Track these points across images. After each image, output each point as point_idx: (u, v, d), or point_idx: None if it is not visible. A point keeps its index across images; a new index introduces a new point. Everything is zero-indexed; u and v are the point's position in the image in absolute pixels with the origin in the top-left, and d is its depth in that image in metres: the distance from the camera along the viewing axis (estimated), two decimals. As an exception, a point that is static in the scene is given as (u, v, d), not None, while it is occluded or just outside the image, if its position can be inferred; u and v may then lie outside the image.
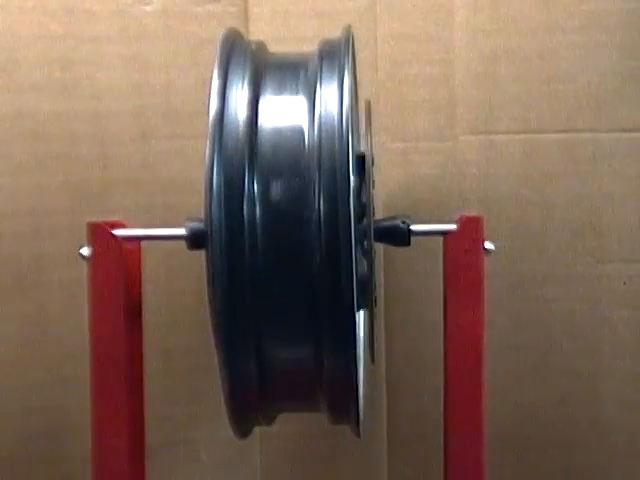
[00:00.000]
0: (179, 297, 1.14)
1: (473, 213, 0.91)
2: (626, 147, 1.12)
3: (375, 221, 0.86)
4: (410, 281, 1.15)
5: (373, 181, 0.86)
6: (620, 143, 1.12)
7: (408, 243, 0.88)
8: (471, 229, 0.89)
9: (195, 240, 0.83)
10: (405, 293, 1.15)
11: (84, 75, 1.10)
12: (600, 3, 1.11)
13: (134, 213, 1.08)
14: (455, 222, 0.89)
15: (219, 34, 0.85)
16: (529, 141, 1.13)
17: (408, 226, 0.88)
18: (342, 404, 0.83)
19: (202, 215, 0.79)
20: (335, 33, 0.94)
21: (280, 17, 1.14)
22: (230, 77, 0.81)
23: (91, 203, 1.11)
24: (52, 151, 1.10)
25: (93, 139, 1.11)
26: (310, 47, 0.93)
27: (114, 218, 0.90)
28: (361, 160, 0.85)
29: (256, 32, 1.12)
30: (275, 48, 0.93)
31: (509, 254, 1.12)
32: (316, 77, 0.81)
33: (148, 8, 1.12)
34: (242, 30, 1.00)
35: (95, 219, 0.88)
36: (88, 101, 1.10)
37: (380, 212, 1.09)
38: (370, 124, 0.89)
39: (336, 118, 0.78)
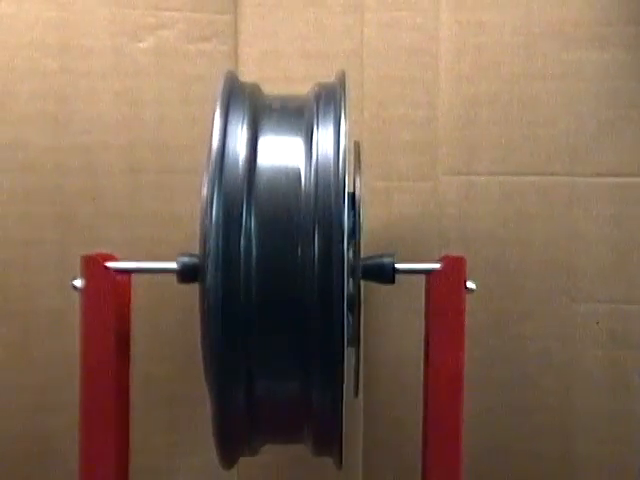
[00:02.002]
0: (163, 327, 1.15)
1: (454, 252, 0.93)
2: (601, 191, 1.14)
3: (362, 259, 0.88)
4: (389, 315, 1.16)
5: (362, 220, 0.89)
6: (595, 187, 1.14)
7: (393, 281, 0.89)
8: (454, 269, 0.91)
9: (186, 274, 0.85)
10: (384, 327, 1.17)
11: (77, 109, 1.12)
12: (579, 53, 1.14)
13: (122, 245, 1.09)
14: (438, 261, 0.91)
15: (216, 78, 0.87)
16: (508, 183, 1.15)
17: (393, 264, 0.89)
18: (327, 438, 0.85)
19: (192, 249, 0.81)
20: (323, 75, 0.97)
21: (270, 57, 1.15)
22: (231, 117, 0.83)
23: (80, 234, 1.12)
24: (43, 183, 1.12)
25: (84, 172, 1.12)
26: (299, 88, 0.95)
27: (102, 250, 0.92)
28: (352, 199, 0.87)
29: (246, 72, 1.14)
30: (264, 87, 0.95)
31: (487, 292, 1.13)
32: (313, 120, 0.83)
33: (141, 45, 1.13)
34: (232, 68, 1.09)
35: (84, 251, 0.90)
36: (80, 135, 1.12)
37: (363, 248, 1.09)
38: (359, 165, 0.91)
39: (332, 161, 0.80)
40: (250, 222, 0.79)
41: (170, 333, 1.14)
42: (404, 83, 1.15)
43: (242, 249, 0.78)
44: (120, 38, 1.13)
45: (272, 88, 0.96)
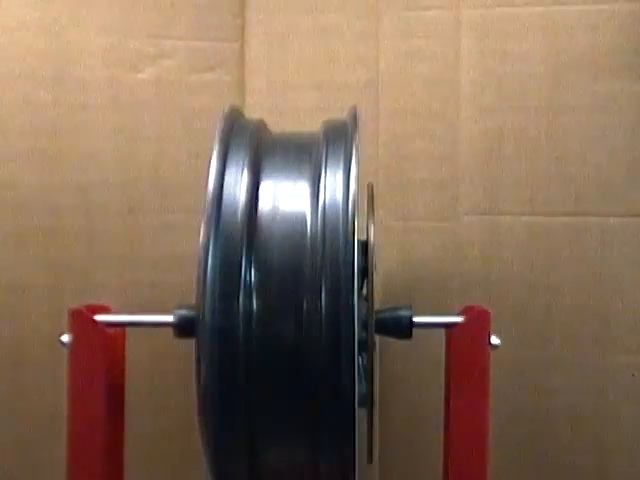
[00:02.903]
0: (161, 379, 1.11)
1: (476, 299, 0.92)
2: (636, 232, 1.10)
3: (375, 311, 0.83)
4: (407, 368, 1.12)
5: (375, 269, 0.83)
6: (630, 229, 1.10)
7: (410, 336, 0.85)
8: (478, 323, 0.85)
9: (183, 329, 0.81)
10: (401, 381, 1.12)
11: (71, 145, 1.09)
12: (611, 83, 1.09)
13: (120, 291, 1.07)
14: (460, 313, 0.86)
15: (219, 113, 0.83)
16: (535, 223, 1.10)
17: (410, 318, 0.84)
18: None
19: (192, 299, 0.76)
20: (335, 107, 0.94)
21: (278, 88, 1.12)
22: (230, 159, 0.79)
23: (74, 279, 1.09)
24: (34, 224, 1.08)
25: (78, 212, 1.09)
26: (309, 121, 0.92)
27: (98, 296, 0.90)
28: (364, 247, 0.82)
29: (252, 103, 1.12)
30: (271, 120, 0.92)
31: (512, 340, 1.06)
32: (321, 162, 0.79)
33: (140, 76, 1.10)
34: (238, 101, 1.06)
35: (78, 297, 0.88)
36: (74, 172, 1.09)
37: (377, 292, 1.04)
38: (373, 209, 0.87)
39: (341, 207, 0.75)
40: (250, 274, 0.74)
41: (169, 385, 1.09)
42: (423, 116, 1.11)
43: (241, 304, 0.74)
44: (118, 69, 1.09)
45: (280, 121, 0.95)
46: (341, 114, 0.88)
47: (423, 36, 1.11)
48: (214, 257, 0.74)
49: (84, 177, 1.09)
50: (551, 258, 1.10)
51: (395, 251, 1.12)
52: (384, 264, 1.09)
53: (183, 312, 0.81)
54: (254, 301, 0.74)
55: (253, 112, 1.06)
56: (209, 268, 0.73)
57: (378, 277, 1.00)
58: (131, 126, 1.10)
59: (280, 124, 0.97)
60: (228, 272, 0.74)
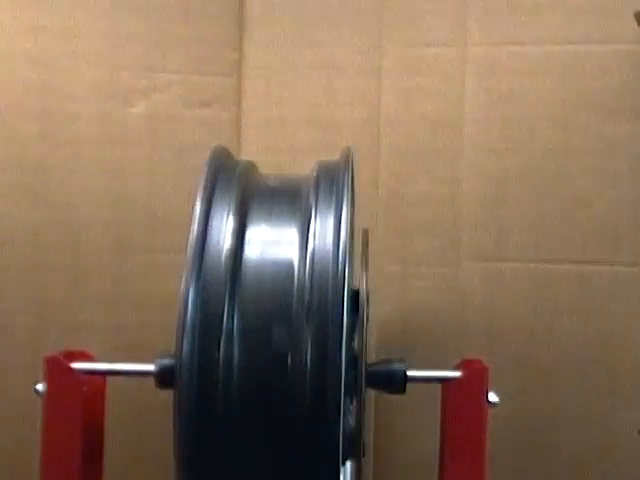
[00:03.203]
0: (144, 430, 1.07)
1: (478, 348, 0.92)
2: None
3: (367, 364, 0.80)
4: (401, 418, 1.08)
5: (367, 319, 0.80)
6: (638, 278, 1.06)
7: (403, 391, 0.82)
8: (476, 379, 0.82)
9: (164, 379, 0.77)
10: (396, 432, 1.09)
11: (58, 180, 1.06)
12: (621, 127, 1.06)
13: (105, 332, 1.05)
14: (457, 368, 0.83)
15: (207, 152, 0.81)
16: (540, 271, 1.07)
17: (404, 372, 0.81)
18: None
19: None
20: (334, 146, 0.92)
21: (275, 125, 1.10)
22: (215, 202, 0.76)
23: (57, 320, 1.06)
24: (18, 261, 1.06)
25: (64, 249, 1.07)
26: (306, 159, 0.89)
27: (82, 337, 0.91)
28: (355, 296, 0.79)
29: (249, 139, 1.10)
30: (268, 158, 0.93)
31: (514, 393, 1.05)
32: (311, 207, 0.76)
33: (132, 110, 1.08)
34: (234, 137, 1.05)
35: (61, 337, 0.89)
36: (61, 208, 1.06)
37: (373, 340, 1.05)
38: (366, 256, 0.84)
39: (331, 255, 0.73)
40: (232, 324, 0.72)
41: (153, 436, 1.02)
42: (425, 156, 1.08)
43: (222, 356, 0.71)
44: (108, 102, 1.07)
45: (277, 159, 0.96)
46: (338, 154, 0.86)
47: (427, 73, 1.09)
48: (194, 305, 0.71)
49: (71, 214, 1.07)
50: (556, 308, 1.07)
51: (393, 297, 1.09)
52: (381, 310, 1.07)
53: (165, 361, 0.77)
54: (235, 353, 0.71)
55: (249, 149, 1.07)
56: (188, 316, 0.71)
57: (374, 324, 1.01)
58: (122, 162, 1.08)
59: (277, 162, 1.00)
60: (209, 321, 0.71)
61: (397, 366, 0.82)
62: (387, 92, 1.10)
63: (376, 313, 1.04)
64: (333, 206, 0.76)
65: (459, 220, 1.09)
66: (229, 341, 0.72)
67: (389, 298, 1.09)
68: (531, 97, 1.07)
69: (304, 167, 0.91)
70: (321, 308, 0.71)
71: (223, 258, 0.73)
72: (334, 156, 0.88)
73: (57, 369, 0.81)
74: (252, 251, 0.75)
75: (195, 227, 0.74)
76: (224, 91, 1.10)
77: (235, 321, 0.72)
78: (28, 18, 1.05)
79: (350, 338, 0.76)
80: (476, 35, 1.07)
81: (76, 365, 0.81)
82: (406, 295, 1.09)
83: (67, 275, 1.06)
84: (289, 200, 0.79)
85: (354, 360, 0.77)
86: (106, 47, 1.07)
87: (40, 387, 0.81)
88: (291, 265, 0.74)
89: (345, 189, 0.77)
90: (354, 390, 0.77)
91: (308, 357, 0.70)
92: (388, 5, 1.09)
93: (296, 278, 0.73)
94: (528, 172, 1.07)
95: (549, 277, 1.07)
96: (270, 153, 1.00)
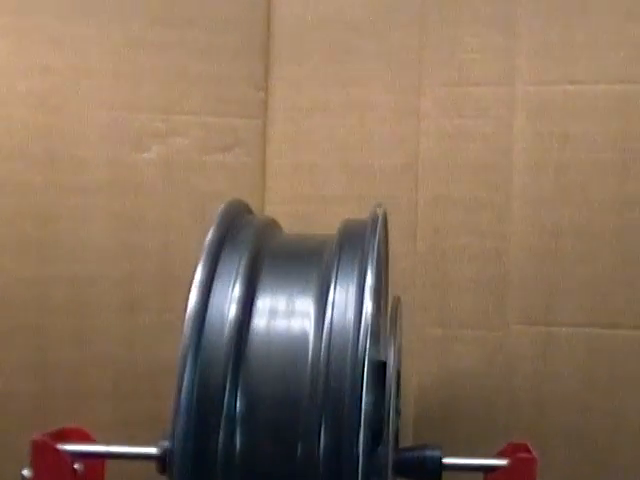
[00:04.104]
0: None
1: (527, 420, 0.90)
2: None
3: (397, 450, 0.75)
4: None
5: (398, 394, 0.76)
6: None
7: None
8: (522, 471, 0.75)
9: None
10: None
11: (64, 233, 1.03)
12: None
13: (113, 401, 1.02)
14: (501, 455, 0.77)
15: (218, 208, 0.77)
16: (596, 336, 1.02)
17: (440, 460, 0.75)
18: None
19: None
20: (368, 195, 0.98)
21: (303, 171, 1.06)
22: (221, 265, 0.72)
23: (62, 386, 1.02)
24: (19, 321, 1.02)
25: (69, 309, 1.03)
26: (337, 209, 0.97)
27: (88, 404, 0.89)
28: (381, 372, 0.73)
29: (274, 187, 1.06)
30: (295, 208, 0.94)
31: (567, 469, 1.00)
32: (331, 274, 0.71)
33: (146, 156, 1.04)
34: (258, 185, 1.04)
35: (65, 404, 0.88)
36: (66, 264, 1.03)
37: (410, 413, 1.01)
38: (397, 326, 0.79)
39: (351, 330, 0.67)
40: (234, 407, 0.67)
41: None
42: (468, 207, 1.04)
43: (221, 443, 0.66)
44: (119, 147, 1.03)
45: (305, 209, 0.96)
46: (374, 203, 0.81)
47: (471, 115, 1.04)
48: (191, 384, 0.66)
49: (78, 270, 1.03)
50: (614, 377, 1.02)
51: (432, 364, 1.04)
52: (419, 377, 1.03)
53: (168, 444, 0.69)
54: (237, 440, 0.67)
55: (274, 198, 1.05)
56: (183, 397, 0.66)
57: (411, 395, 0.99)
58: (133, 213, 1.04)
59: (305, 213, 0.99)
60: (207, 403, 0.66)
61: (431, 453, 0.76)
62: (426, 135, 1.05)
63: (414, 382, 1.01)
64: (356, 274, 0.71)
65: (506, 278, 1.04)
66: (230, 426, 0.66)
67: (428, 364, 1.04)
68: (588, 142, 1.02)
69: (335, 218, 0.89)
70: (337, 391, 0.66)
71: (226, 331, 0.69)
72: (368, 206, 0.84)
73: (44, 453, 0.75)
74: (260, 323, 0.71)
75: (195, 294, 0.70)
76: (247, 134, 1.06)
77: (238, 403, 0.67)
78: (31, 56, 1.01)
79: (374, 423, 0.70)
80: (526, 73, 1.03)
81: (68, 447, 0.75)
82: (447, 361, 1.04)
83: (72, 337, 1.03)
84: (306, 265, 0.75)
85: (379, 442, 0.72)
86: (117, 87, 1.03)
87: (26, 473, 0.75)
88: (305, 340, 0.69)
89: (371, 255, 0.71)
90: (381, 474, 0.71)
91: (321, 447, 0.65)
92: (428, 40, 1.04)
93: (310, 355, 0.68)
94: (584, 226, 1.02)
95: (606, 343, 1.03)
96: (297, 203, 0.98)
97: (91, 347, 1.03)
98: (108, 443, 0.77)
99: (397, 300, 0.82)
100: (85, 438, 0.79)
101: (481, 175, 1.04)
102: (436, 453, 0.75)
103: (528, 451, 0.76)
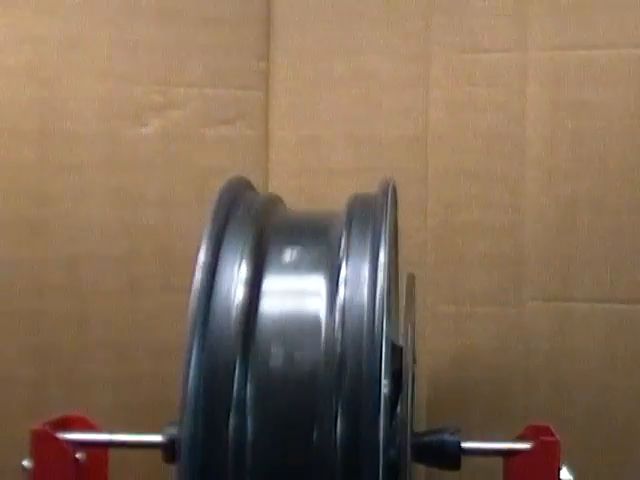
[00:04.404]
0: None
1: (545, 401, 0.90)
2: None
3: (413, 435, 0.72)
4: None
5: (414, 378, 0.73)
6: None
7: (458, 467, 0.74)
8: (545, 455, 0.73)
9: (174, 453, 0.68)
10: None
11: (60, 212, 1.02)
12: None
13: (115, 385, 1.00)
14: (522, 438, 0.75)
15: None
16: (615, 312, 1.01)
17: (458, 444, 0.73)
18: None
19: None
20: (375, 166, 0.98)
21: (308, 144, 1.05)
22: (225, 245, 0.70)
23: (61, 371, 1.01)
24: (17, 305, 1.01)
25: (67, 291, 1.01)
26: (343, 182, 0.96)
27: (88, 391, 0.89)
28: (398, 351, 0.71)
29: (278, 161, 1.05)
30: (300, 182, 0.92)
31: (586, 451, 0.97)
32: (341, 251, 0.70)
33: (144, 130, 1.03)
34: (261, 158, 1.03)
35: (64, 390, 0.87)
36: (63, 244, 1.01)
37: (423, 397, 1.00)
38: (412, 306, 0.76)
39: (366, 308, 0.66)
40: (245, 392, 0.65)
41: None
42: (481, 179, 1.03)
43: (231, 430, 0.64)
44: (117, 121, 1.02)
45: (310, 183, 0.96)
46: (381, 177, 0.80)
47: (482, 83, 1.03)
48: (199, 369, 0.65)
49: (75, 250, 1.01)
50: (634, 354, 1.01)
51: (446, 342, 1.03)
52: (432, 359, 1.02)
53: (175, 431, 0.68)
54: (248, 427, 0.64)
55: (278, 172, 1.04)
56: (191, 383, 0.64)
57: (424, 376, 0.98)
58: (132, 190, 1.03)
59: (310, 187, 0.98)
60: (217, 389, 0.65)
61: (449, 437, 0.74)
62: (436, 105, 1.04)
63: (427, 362, 1.00)
64: (368, 250, 0.69)
65: (521, 253, 1.03)
66: (241, 413, 0.65)
67: (441, 344, 1.02)
68: (605, 109, 1.01)
69: (342, 192, 0.88)
70: (354, 374, 0.64)
71: (234, 313, 0.67)
72: (375, 180, 0.83)
73: (45, 443, 0.73)
74: (269, 304, 0.69)
75: (200, 276, 0.68)
76: (249, 106, 1.05)
77: (248, 388, 0.65)
78: (24, 27, 0.99)
79: (391, 407, 0.68)
80: (539, 38, 1.01)
81: (70, 436, 0.74)
82: (461, 340, 1.03)
83: (71, 321, 1.01)
84: (315, 243, 0.73)
85: (398, 430, 0.70)
86: (114, 58, 1.02)
87: (27, 464, 0.74)
88: (317, 320, 0.67)
89: (383, 229, 0.70)
90: (397, 468, 0.68)
91: (337, 434, 0.63)
92: (436, 5, 1.03)
93: (323, 337, 0.66)
94: (602, 197, 1.01)
95: (626, 319, 1.02)
96: (303, 177, 0.97)
97: (90, 330, 1.02)
98: (110, 429, 0.76)
99: (412, 278, 0.80)
100: (87, 426, 0.77)
101: (493, 146, 1.03)
102: (455, 437, 0.73)
103: (551, 434, 0.75)
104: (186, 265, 0.97)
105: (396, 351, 0.70)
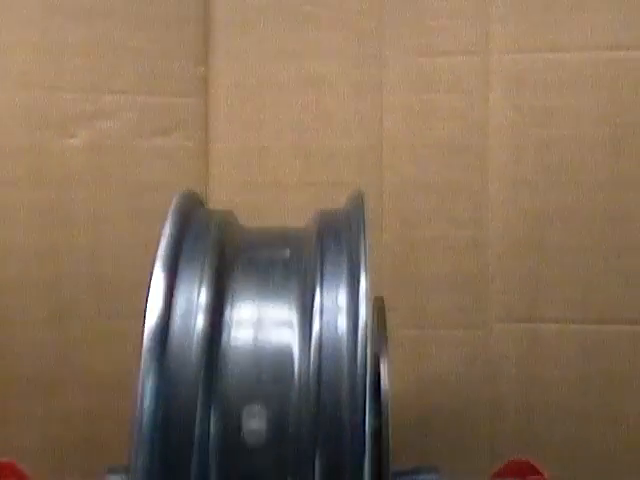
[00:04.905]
0: None
1: (514, 431, 0.86)
2: None
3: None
4: None
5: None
6: None
7: None
8: None
9: None
10: None
11: None
12: None
13: (42, 424, 0.94)
14: (502, 475, 0.74)
15: (166, 193, 0.69)
16: (589, 333, 0.97)
17: None
18: None
19: None
20: (325, 180, 0.95)
21: (252, 156, 1.00)
22: (182, 269, 0.64)
23: None
24: None
25: None
26: (291, 198, 0.94)
27: (12, 434, 0.89)
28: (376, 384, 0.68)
29: (218, 175, 1.00)
30: (243, 197, 0.91)
31: None
32: (315, 275, 0.64)
33: (72, 142, 0.97)
34: (200, 173, 0.98)
35: None
36: None
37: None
38: (386, 337, 0.72)
39: (346, 342, 0.60)
40: (208, 436, 0.58)
41: None
42: (440, 192, 0.99)
43: (193, 474, 0.57)
44: (42, 133, 0.96)
45: (255, 199, 0.95)
46: (333, 191, 0.83)
47: (441, 89, 0.99)
48: (153, 411, 0.58)
49: None
50: (611, 379, 0.96)
51: (406, 368, 0.98)
52: (392, 385, 0.94)
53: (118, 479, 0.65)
54: (213, 477, 0.58)
55: (220, 187, 1.00)
56: (145, 428, 0.57)
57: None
58: (59, 208, 0.97)
59: (255, 203, 0.96)
60: (174, 434, 0.58)
61: (426, 477, 0.71)
62: (391, 113, 0.99)
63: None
64: (345, 274, 0.63)
65: (486, 271, 0.98)
66: (203, 461, 0.58)
67: (401, 370, 0.96)
68: (573, 116, 0.96)
69: (290, 209, 0.91)
70: (333, 418, 0.58)
71: (194, 347, 0.60)
72: (326, 195, 0.85)
73: None
74: (233, 336, 0.62)
75: (154, 304, 0.61)
76: (187, 115, 1.00)
77: (211, 433, 0.59)
78: None
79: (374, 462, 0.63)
80: (502, 40, 0.97)
81: None
82: (422, 366, 0.99)
83: None
84: (283, 265, 0.67)
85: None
86: (37, 63, 0.96)
87: None
88: (289, 355, 0.61)
89: (361, 250, 0.64)
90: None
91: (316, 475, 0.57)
92: (390, 4, 0.98)
93: (296, 373, 0.60)
94: (572, 210, 0.97)
95: (600, 341, 0.97)
96: (246, 192, 0.93)
97: (16, 363, 0.96)
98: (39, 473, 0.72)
99: (380, 302, 0.74)
100: (18, 476, 0.73)
101: (454, 156, 0.99)
102: (432, 477, 0.70)
103: (535, 471, 0.73)
104: (120, 290, 0.95)
105: (379, 397, 0.66)
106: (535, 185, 0.98)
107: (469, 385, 0.98)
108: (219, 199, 0.96)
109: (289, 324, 0.62)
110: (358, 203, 0.68)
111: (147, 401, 0.58)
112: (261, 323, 0.63)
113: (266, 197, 0.98)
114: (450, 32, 0.97)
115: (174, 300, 0.61)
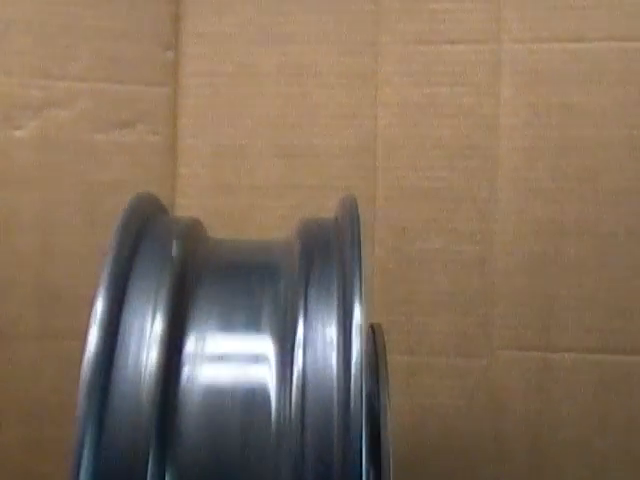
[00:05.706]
0: None
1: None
2: None
3: None
4: None
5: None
6: None
7: None
8: None
9: None
10: None
11: None
12: None
13: None
14: None
15: (128, 196, 0.63)
16: (607, 364, 0.90)
17: None
18: None
19: None
20: (310, 183, 0.91)
21: (226, 154, 0.94)
22: (132, 292, 0.57)
23: None
24: None
25: None
26: (271, 202, 0.90)
27: None
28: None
29: (188, 175, 0.93)
30: (215, 202, 0.88)
31: None
32: (296, 300, 0.57)
33: (18, 134, 0.90)
34: (167, 171, 0.93)
35: None
36: None
37: None
38: (387, 374, 0.66)
39: (335, 384, 0.53)
40: None
41: None
42: (442, 200, 0.92)
43: None
44: None
45: (228, 204, 0.91)
46: (320, 196, 0.82)
47: (444, 82, 0.92)
48: (95, 464, 0.50)
49: None
50: (632, 417, 0.90)
51: (398, 401, 0.86)
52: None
53: None
54: None
55: (188, 189, 0.94)
56: None
57: None
58: (2, 208, 0.90)
59: (229, 208, 0.91)
60: None
61: None
62: (387, 108, 0.93)
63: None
64: (335, 300, 0.56)
65: (491, 291, 0.92)
66: None
67: (392, 403, 0.88)
68: (596, 115, 0.90)
69: (268, 216, 0.87)
70: (320, 473, 0.51)
71: (145, 387, 0.53)
72: (311, 200, 0.83)
73: None
74: (194, 374, 0.54)
75: (95, 335, 0.53)
76: (153, 106, 0.93)
77: None
78: None
79: None
80: (515, 26, 0.90)
81: None
82: (417, 398, 0.92)
83: None
84: (257, 287, 0.59)
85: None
86: None
87: None
88: (264, 398, 0.53)
89: (356, 267, 0.56)
90: None
91: None
92: None
93: (274, 423, 0.52)
94: (591, 222, 0.90)
95: (619, 373, 0.90)
96: (219, 195, 0.88)
97: None
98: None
99: (379, 329, 0.67)
100: None
101: (458, 159, 0.92)
102: None
103: None
104: (70, 306, 0.88)
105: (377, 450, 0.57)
106: (550, 194, 0.91)
107: (470, 421, 0.92)
108: (187, 204, 0.91)
109: (264, 359, 0.54)
110: (351, 211, 0.61)
111: (83, 459, 0.50)
112: (228, 358, 0.55)
113: (242, 202, 0.92)
114: (456, 17, 0.91)
115: (121, 329, 0.54)
